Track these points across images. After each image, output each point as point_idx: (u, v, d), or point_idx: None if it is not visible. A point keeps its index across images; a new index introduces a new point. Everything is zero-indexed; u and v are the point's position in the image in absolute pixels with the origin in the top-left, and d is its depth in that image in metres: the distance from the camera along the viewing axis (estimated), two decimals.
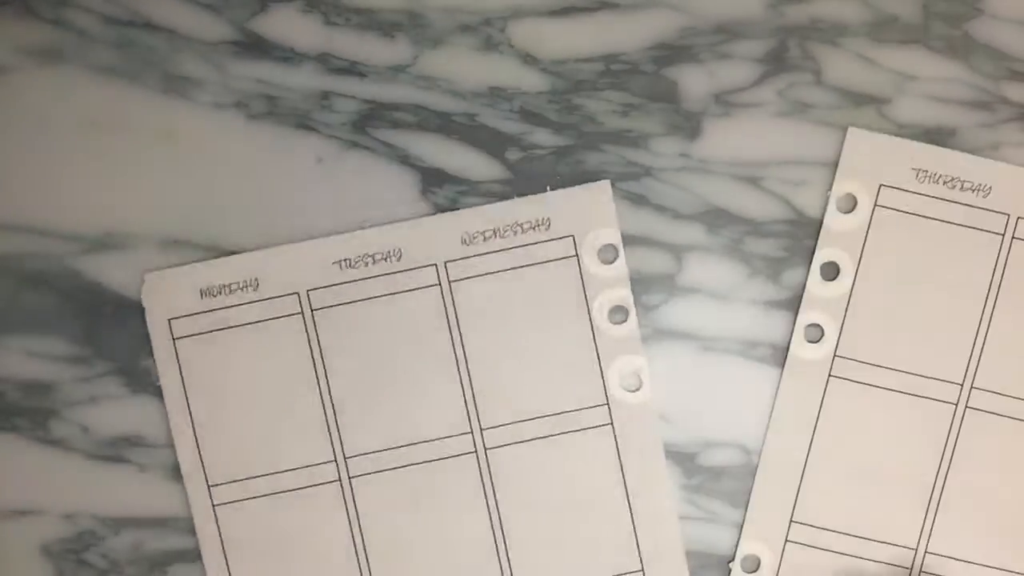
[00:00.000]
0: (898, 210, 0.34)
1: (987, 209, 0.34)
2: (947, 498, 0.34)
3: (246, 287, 0.34)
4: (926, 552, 0.35)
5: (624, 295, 0.34)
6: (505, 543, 0.34)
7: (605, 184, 0.34)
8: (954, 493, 0.34)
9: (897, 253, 0.34)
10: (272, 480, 0.34)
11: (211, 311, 0.34)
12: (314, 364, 0.34)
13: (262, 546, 0.34)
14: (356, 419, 0.34)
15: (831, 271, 0.34)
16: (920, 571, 0.35)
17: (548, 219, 0.34)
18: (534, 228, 0.34)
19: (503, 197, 0.34)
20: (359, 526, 0.34)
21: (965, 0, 0.34)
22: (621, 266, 0.34)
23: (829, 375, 0.34)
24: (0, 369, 0.34)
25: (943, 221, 0.34)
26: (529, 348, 0.34)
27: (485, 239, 0.34)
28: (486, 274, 0.34)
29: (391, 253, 0.34)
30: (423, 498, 0.34)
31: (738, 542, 0.35)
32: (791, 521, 0.34)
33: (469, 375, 0.34)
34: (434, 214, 0.34)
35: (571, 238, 0.34)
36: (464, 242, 0.34)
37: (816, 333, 0.34)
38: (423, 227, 0.34)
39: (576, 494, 0.34)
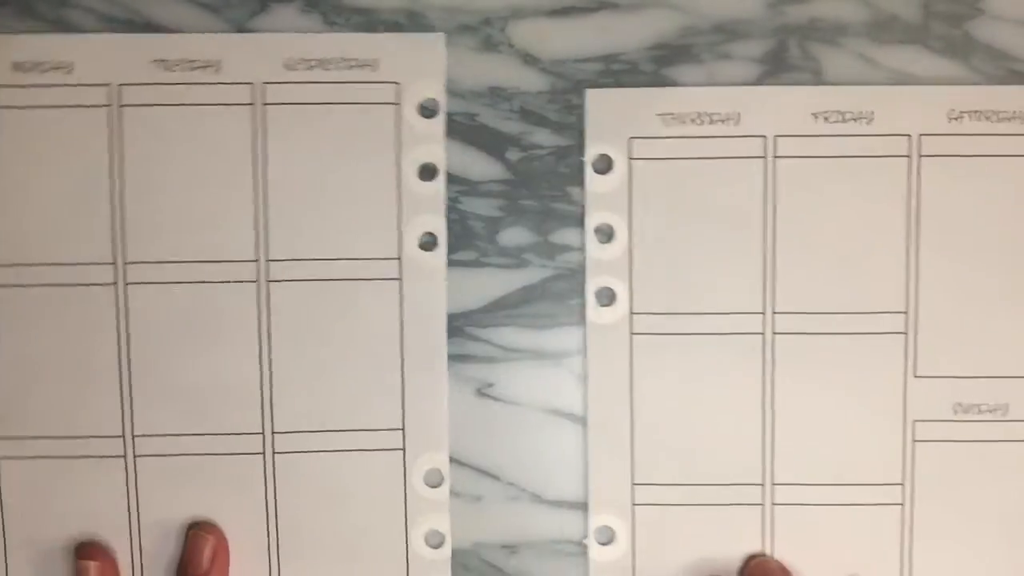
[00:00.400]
0: (654, 158, 0.34)
1: (741, 135, 0.34)
2: (779, 426, 0.34)
3: (59, 67, 0.33)
4: (773, 484, 0.34)
5: (437, 152, 0.34)
6: (271, 378, 0.34)
7: (439, 36, 0.34)
8: (785, 420, 0.34)
9: (664, 201, 0.34)
10: (45, 271, 0.33)
11: (20, 86, 0.33)
12: (111, 161, 0.33)
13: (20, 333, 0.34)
14: (142, 226, 0.33)
15: (605, 233, 0.34)
16: (773, 504, 0.34)
17: (377, 61, 0.34)
18: (360, 67, 0.33)
19: (503, 197, 0.35)
20: (127, 335, 0.34)
21: (965, 0, 0.34)
22: (439, 123, 0.34)
23: (631, 334, 0.34)
24: None
25: (701, 158, 0.34)
26: (331, 187, 0.34)
27: (309, 67, 0.33)
28: (303, 103, 0.34)
29: (210, 63, 0.33)
30: (201, 313, 0.34)
31: (587, 517, 0.35)
32: (633, 484, 0.34)
33: (266, 203, 0.34)
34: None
35: (395, 85, 0.34)
36: (287, 66, 0.33)
37: (607, 296, 0.34)
38: (247, 43, 0.33)
39: (351, 342, 0.34)
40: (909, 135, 0.33)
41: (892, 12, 0.34)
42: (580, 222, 0.34)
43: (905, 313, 0.34)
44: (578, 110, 0.34)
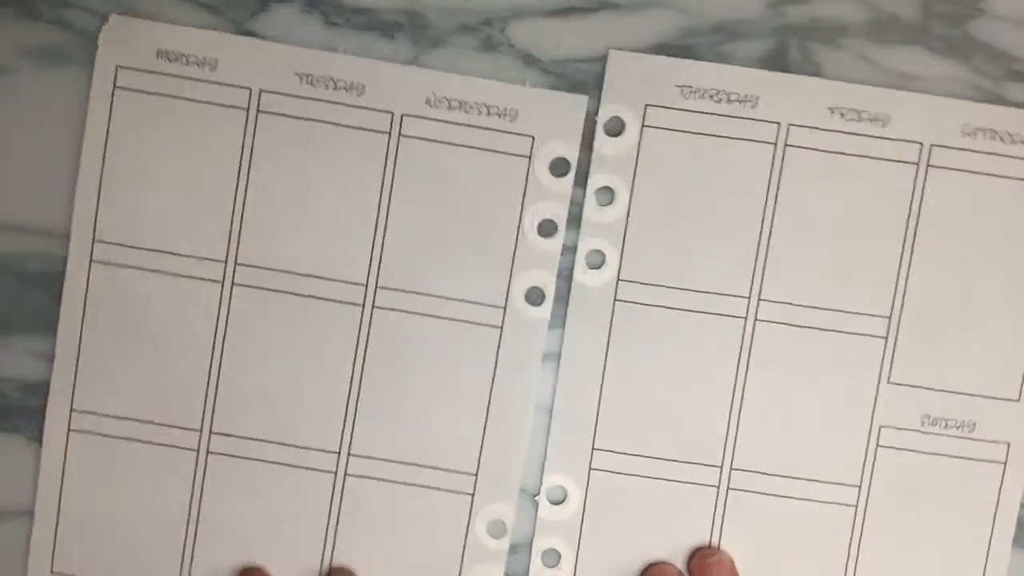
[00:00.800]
0: (666, 128, 0.34)
1: (757, 119, 0.34)
2: (747, 411, 0.34)
3: (203, 64, 0.34)
4: (732, 469, 0.34)
5: (559, 212, 0.34)
6: (358, 400, 0.34)
7: (582, 99, 0.34)
8: (752, 406, 0.34)
9: (670, 172, 0.34)
10: (157, 257, 0.34)
11: (162, 74, 0.33)
12: (240, 164, 0.34)
13: (121, 315, 0.34)
14: (257, 234, 0.34)
15: (606, 196, 0.34)
16: (728, 488, 0.34)
17: (516, 112, 0.34)
18: (500, 115, 0.34)
19: None
20: (224, 333, 0.34)
21: (965, 0, 0.34)
22: (567, 183, 0.34)
23: (615, 300, 0.34)
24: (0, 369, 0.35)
25: (713, 135, 0.34)
26: (451, 228, 0.34)
27: (450, 107, 0.34)
28: (437, 141, 0.34)
29: (354, 85, 0.34)
30: (301, 325, 0.34)
31: (542, 475, 0.35)
32: (593, 449, 0.34)
33: (385, 230, 0.34)
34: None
35: (531, 139, 0.34)
36: (429, 103, 0.34)
37: (597, 259, 0.34)
38: (393, 72, 0.34)
39: (442, 381, 0.34)
40: (921, 143, 0.33)
41: (892, 12, 0.34)
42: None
43: (888, 318, 0.34)
44: None
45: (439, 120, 0.33)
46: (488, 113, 0.34)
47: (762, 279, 0.34)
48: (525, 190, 0.34)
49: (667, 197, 0.34)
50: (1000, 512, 0.34)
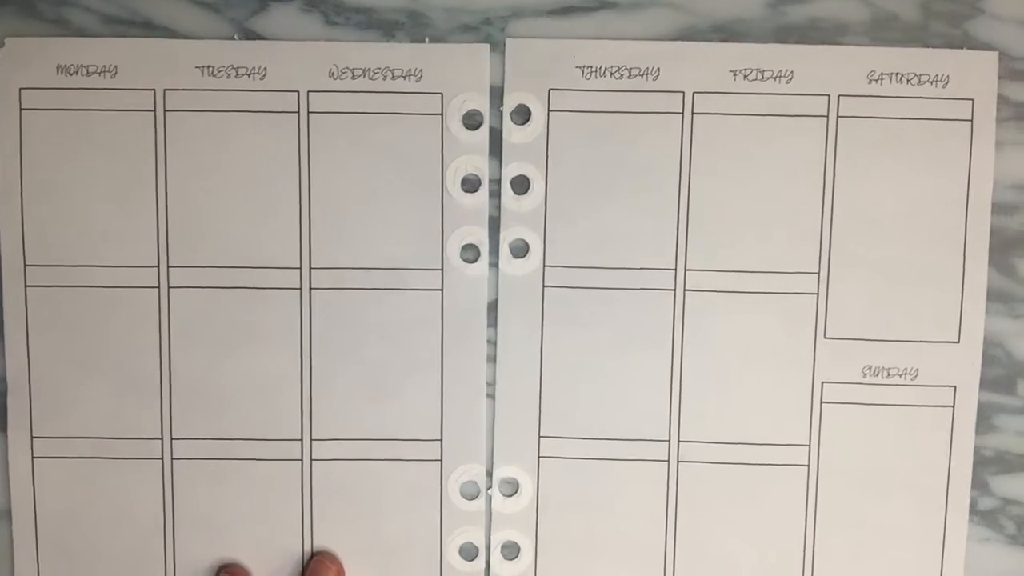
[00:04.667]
0: (572, 111, 0.34)
1: (660, 91, 0.34)
2: (687, 383, 0.34)
3: (103, 72, 0.34)
4: (680, 441, 0.34)
5: (479, 163, 0.34)
6: (311, 385, 0.34)
7: (484, 47, 0.34)
8: (693, 377, 0.34)
9: (581, 154, 0.34)
10: (91, 272, 0.34)
11: (65, 89, 0.33)
12: (156, 166, 0.34)
13: (65, 336, 0.34)
14: (184, 233, 0.34)
15: (521, 185, 0.34)
16: (678, 461, 0.34)
17: (421, 71, 0.34)
18: (405, 77, 0.34)
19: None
20: (169, 338, 0.34)
21: (965, 0, 0.34)
22: (483, 134, 0.34)
23: (544, 286, 0.34)
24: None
25: (619, 112, 0.34)
26: (375, 198, 0.34)
27: (354, 77, 0.34)
28: (346, 112, 0.34)
29: (256, 69, 0.34)
30: (243, 318, 0.34)
31: (491, 469, 0.35)
32: (540, 437, 0.35)
33: (310, 211, 0.34)
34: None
35: (439, 96, 0.34)
36: (332, 75, 0.34)
37: (521, 247, 0.34)
38: (293, 50, 0.33)
39: (392, 352, 0.34)
40: (828, 95, 0.33)
41: (892, 11, 0.33)
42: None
43: (816, 274, 0.34)
44: None
45: (345, 91, 0.33)
46: (393, 76, 0.33)
47: (686, 249, 0.34)
48: (443, 148, 0.34)
49: (582, 179, 0.34)
50: (954, 455, 0.34)
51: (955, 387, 0.34)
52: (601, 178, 0.34)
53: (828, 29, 0.34)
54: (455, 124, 0.33)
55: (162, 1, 0.34)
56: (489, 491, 0.35)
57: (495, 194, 0.34)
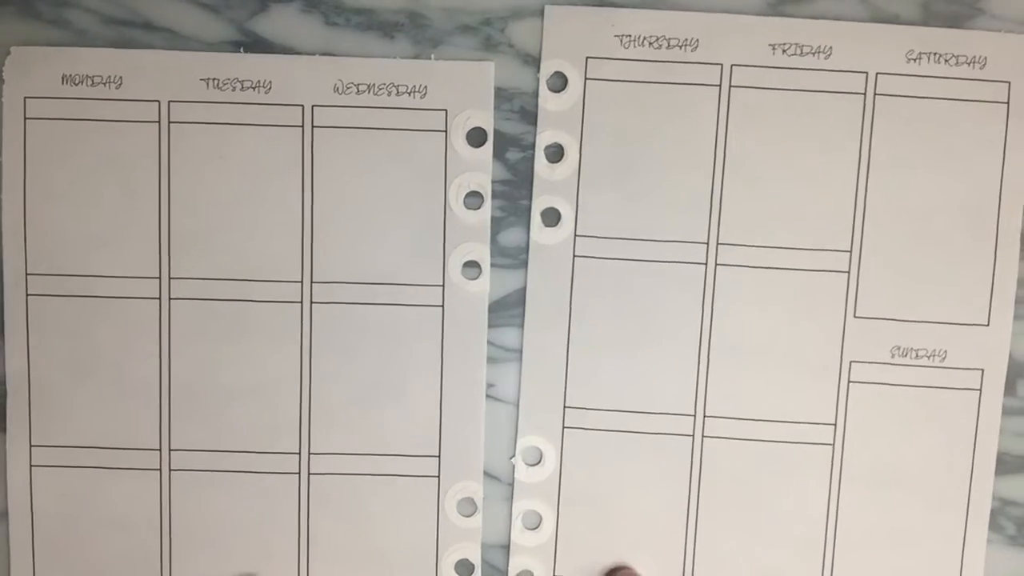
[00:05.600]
0: (609, 80, 0.34)
1: (698, 63, 0.33)
2: (715, 357, 0.34)
3: (108, 83, 0.34)
4: (705, 416, 0.34)
5: (483, 181, 0.34)
6: (310, 399, 0.34)
7: (489, 65, 0.34)
8: (720, 353, 0.34)
9: (617, 124, 0.34)
10: (92, 282, 0.34)
11: (70, 99, 0.33)
12: (159, 177, 0.34)
13: (66, 345, 0.34)
14: (186, 245, 0.34)
15: (556, 153, 0.34)
16: (703, 436, 0.34)
17: (425, 87, 0.33)
18: (410, 93, 0.34)
19: (504, 197, 0.34)
20: (169, 349, 0.34)
21: (965, 0, 0.33)
22: (487, 151, 0.34)
23: (574, 255, 0.34)
24: None
25: (656, 83, 0.34)
26: (377, 213, 0.34)
27: (359, 92, 0.34)
28: (351, 127, 0.34)
29: (261, 84, 0.34)
30: (243, 331, 0.34)
31: (516, 436, 0.34)
32: (565, 407, 0.34)
33: (312, 225, 0.34)
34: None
35: (444, 112, 0.34)
36: (337, 90, 0.34)
37: (553, 216, 0.34)
38: (298, 64, 0.34)
39: (391, 367, 0.34)
40: (866, 72, 0.33)
41: (892, 12, 0.33)
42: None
43: (849, 252, 0.34)
44: None
45: (350, 106, 0.33)
46: (398, 92, 0.33)
47: (719, 223, 0.34)
48: (446, 164, 0.33)
49: (616, 149, 0.34)
50: (980, 439, 0.34)
51: (983, 370, 0.34)
52: (636, 149, 0.34)
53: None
54: (459, 141, 0.33)
55: (162, 2, 0.34)
56: (512, 459, 0.35)
57: (500, 208, 0.34)
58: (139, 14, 0.34)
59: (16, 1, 0.34)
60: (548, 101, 0.34)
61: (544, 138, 0.34)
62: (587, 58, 0.34)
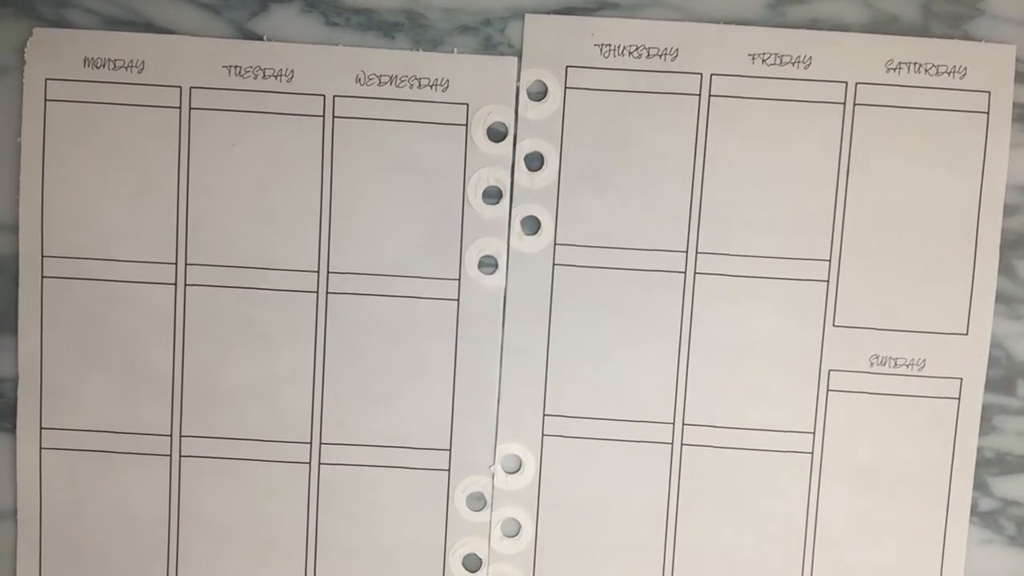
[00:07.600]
0: (589, 89, 0.34)
1: (678, 72, 0.33)
2: (694, 366, 0.34)
3: (131, 67, 0.34)
4: (684, 424, 0.34)
5: (502, 177, 0.34)
6: (323, 389, 0.34)
7: (511, 60, 0.34)
8: (700, 360, 0.34)
9: (597, 132, 0.34)
10: (108, 266, 0.34)
11: (91, 82, 0.33)
12: (179, 163, 0.34)
13: (80, 328, 0.34)
14: (204, 232, 0.34)
15: (535, 161, 0.34)
16: (682, 444, 0.34)
17: (448, 81, 0.34)
18: (432, 86, 0.34)
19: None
20: (183, 336, 0.34)
21: (965, 0, 0.33)
22: (507, 147, 0.34)
23: (554, 264, 0.34)
24: None
25: (636, 92, 0.34)
26: (396, 205, 0.34)
27: (380, 83, 0.34)
28: (372, 119, 0.34)
29: (283, 72, 0.34)
30: (257, 319, 0.34)
31: (495, 445, 0.35)
32: (544, 415, 0.34)
33: (330, 215, 0.34)
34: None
35: (465, 106, 0.34)
36: (359, 81, 0.34)
37: (533, 225, 0.34)
38: (320, 54, 0.34)
39: (406, 359, 0.34)
40: (846, 82, 0.33)
41: (892, 12, 0.33)
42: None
43: (828, 261, 0.34)
44: None
45: (372, 97, 0.33)
46: (420, 85, 0.33)
47: (698, 232, 0.34)
48: (466, 158, 0.34)
49: (596, 157, 0.34)
50: (958, 448, 0.34)
51: (961, 379, 0.34)
52: (616, 157, 0.34)
53: (828, 30, 0.34)
54: (479, 135, 0.33)
55: (162, 2, 0.34)
56: (491, 467, 0.35)
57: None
58: (139, 14, 0.34)
59: (16, 1, 0.34)
60: (528, 109, 0.34)
61: (524, 146, 0.34)
62: (567, 67, 0.34)
